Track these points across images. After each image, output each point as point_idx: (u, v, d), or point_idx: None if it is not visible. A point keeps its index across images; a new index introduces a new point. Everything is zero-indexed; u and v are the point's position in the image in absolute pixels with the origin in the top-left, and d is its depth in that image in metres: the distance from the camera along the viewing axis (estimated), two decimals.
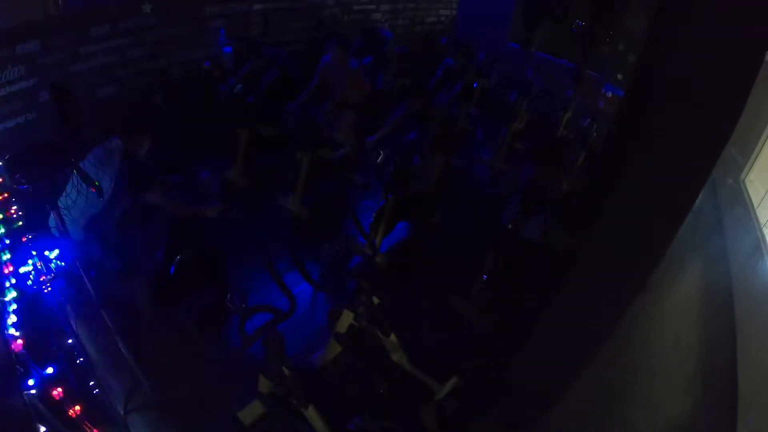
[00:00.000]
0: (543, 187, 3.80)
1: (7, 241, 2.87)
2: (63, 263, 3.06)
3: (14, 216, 3.01)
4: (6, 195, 3.00)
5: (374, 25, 6.36)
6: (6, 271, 2.75)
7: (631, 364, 2.00)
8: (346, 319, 2.86)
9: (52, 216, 2.79)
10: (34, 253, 2.92)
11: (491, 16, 7.15)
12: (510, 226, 3.61)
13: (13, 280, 2.74)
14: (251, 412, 2.60)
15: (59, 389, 2.22)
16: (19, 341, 2.37)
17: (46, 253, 3.01)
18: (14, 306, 2.59)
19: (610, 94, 5.81)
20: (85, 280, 2.64)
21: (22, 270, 2.90)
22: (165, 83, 4.78)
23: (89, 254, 2.85)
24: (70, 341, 2.65)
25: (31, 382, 2.22)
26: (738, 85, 1.30)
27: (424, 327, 3.27)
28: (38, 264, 2.94)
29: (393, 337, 2.79)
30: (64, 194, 2.82)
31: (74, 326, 2.80)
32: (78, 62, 4.10)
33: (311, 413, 2.34)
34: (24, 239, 2.95)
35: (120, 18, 4.28)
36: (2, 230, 2.85)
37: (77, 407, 2.22)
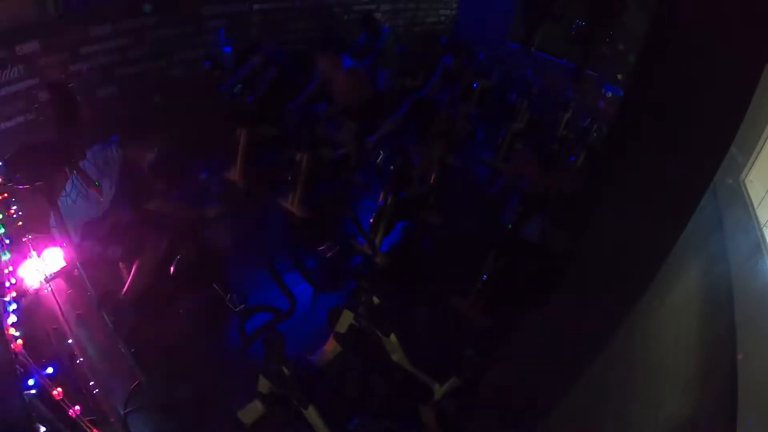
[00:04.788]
0: (543, 188, 3.80)
1: (7, 241, 2.86)
2: (63, 263, 3.06)
3: (14, 216, 3.01)
4: (6, 195, 3.00)
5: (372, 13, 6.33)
6: (6, 271, 2.75)
7: (630, 364, 2.00)
8: (346, 319, 2.86)
9: (52, 216, 2.79)
10: (34, 253, 2.93)
11: (491, 16, 7.16)
12: (510, 226, 3.61)
13: (13, 280, 2.74)
14: (251, 412, 2.59)
15: (59, 389, 2.21)
16: (19, 341, 2.37)
17: (46, 253, 3.01)
18: (14, 306, 2.59)
19: (610, 94, 5.82)
20: (85, 280, 2.64)
21: (22, 270, 2.90)
22: (165, 83, 4.78)
23: (89, 254, 2.85)
24: (70, 341, 2.65)
25: (31, 382, 2.22)
26: (741, 85, 1.30)
27: (424, 327, 3.26)
28: (38, 264, 2.94)
29: (393, 337, 2.79)
30: (64, 194, 2.82)
31: (74, 326, 2.80)
32: (78, 62, 4.10)
33: (311, 413, 2.34)
34: (24, 239, 2.95)
35: (120, 18, 4.28)
36: (2, 230, 2.85)
37: (77, 407, 2.22)
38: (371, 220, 3.89)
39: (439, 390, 2.73)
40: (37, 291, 2.92)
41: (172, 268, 3.02)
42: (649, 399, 1.91)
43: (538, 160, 3.92)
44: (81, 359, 2.60)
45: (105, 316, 2.71)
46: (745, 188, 2.47)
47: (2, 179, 2.80)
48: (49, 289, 2.92)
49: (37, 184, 2.62)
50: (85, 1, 4.08)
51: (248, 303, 2.98)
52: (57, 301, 2.89)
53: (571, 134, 5.49)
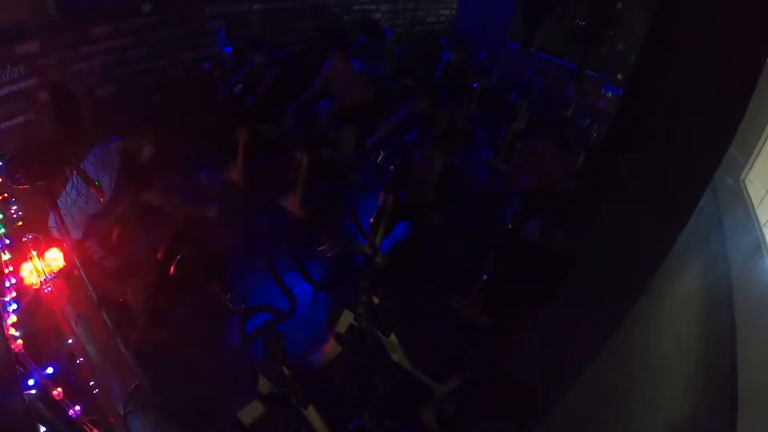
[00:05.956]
0: (543, 187, 3.80)
1: (7, 241, 2.86)
2: (63, 263, 3.06)
3: (14, 216, 3.00)
4: (6, 195, 3.00)
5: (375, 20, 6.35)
6: (6, 271, 2.75)
7: (631, 364, 2.00)
8: (346, 319, 2.86)
9: (52, 216, 2.79)
10: (34, 253, 2.92)
11: (491, 16, 7.16)
12: (510, 226, 3.61)
13: (14, 280, 2.74)
14: (251, 412, 2.59)
15: (59, 389, 2.22)
16: (19, 341, 2.37)
17: (46, 253, 3.01)
18: (14, 306, 2.58)
19: (610, 94, 5.83)
20: (85, 280, 2.64)
21: (22, 270, 2.90)
22: (165, 83, 4.78)
23: (89, 254, 2.85)
24: (70, 341, 2.65)
25: (31, 382, 2.22)
26: (741, 86, 1.30)
27: (424, 327, 3.26)
28: (38, 264, 2.94)
29: (393, 337, 2.79)
30: (64, 194, 2.82)
31: (74, 326, 2.80)
32: (78, 62, 4.10)
33: (311, 413, 2.34)
34: (24, 239, 2.95)
35: (120, 18, 4.28)
36: (2, 230, 2.85)
37: (77, 407, 2.22)
38: (371, 220, 3.89)
39: (439, 390, 2.73)
40: (37, 291, 2.92)
41: (172, 268, 3.01)
42: (649, 399, 1.91)
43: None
44: (81, 359, 2.60)
45: (105, 316, 2.71)
46: (745, 188, 2.47)
47: (2, 179, 2.80)
48: (49, 289, 2.92)
49: (37, 184, 2.62)
50: (85, 1, 4.08)
51: (248, 303, 2.98)
52: (57, 301, 2.89)
53: (571, 134, 5.49)
